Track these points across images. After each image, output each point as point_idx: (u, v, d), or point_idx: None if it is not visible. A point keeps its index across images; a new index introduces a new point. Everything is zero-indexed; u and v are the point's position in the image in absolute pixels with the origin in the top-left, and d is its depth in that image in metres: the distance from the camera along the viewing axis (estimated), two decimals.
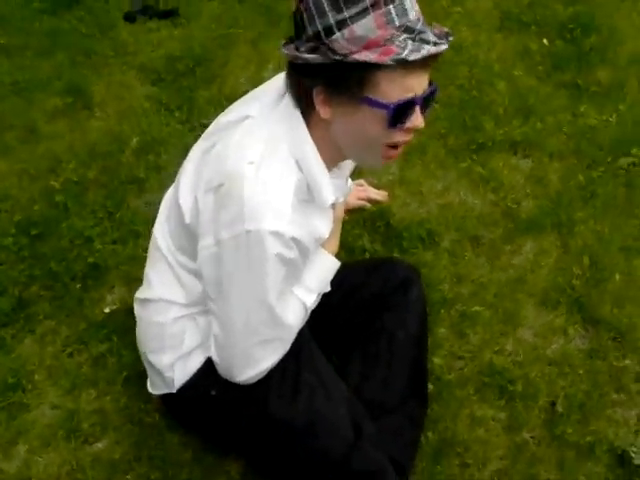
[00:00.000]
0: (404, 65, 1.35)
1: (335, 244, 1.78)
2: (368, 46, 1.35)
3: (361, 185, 2.08)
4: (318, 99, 1.44)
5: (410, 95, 1.41)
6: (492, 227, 2.38)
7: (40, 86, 2.83)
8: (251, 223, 1.43)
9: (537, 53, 2.87)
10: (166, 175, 2.32)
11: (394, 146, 1.50)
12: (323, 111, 1.45)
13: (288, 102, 1.50)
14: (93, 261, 2.32)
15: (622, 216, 2.42)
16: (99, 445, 1.98)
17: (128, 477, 1.91)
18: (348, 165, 1.71)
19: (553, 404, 2.01)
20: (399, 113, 1.42)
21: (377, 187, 2.10)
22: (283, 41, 1.47)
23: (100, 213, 2.45)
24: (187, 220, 1.59)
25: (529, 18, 2.99)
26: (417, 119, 1.45)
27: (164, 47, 2.95)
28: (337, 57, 1.35)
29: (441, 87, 2.61)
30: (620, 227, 2.38)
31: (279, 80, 1.57)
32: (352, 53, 1.35)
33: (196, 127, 2.55)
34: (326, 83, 1.41)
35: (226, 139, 1.54)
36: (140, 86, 2.81)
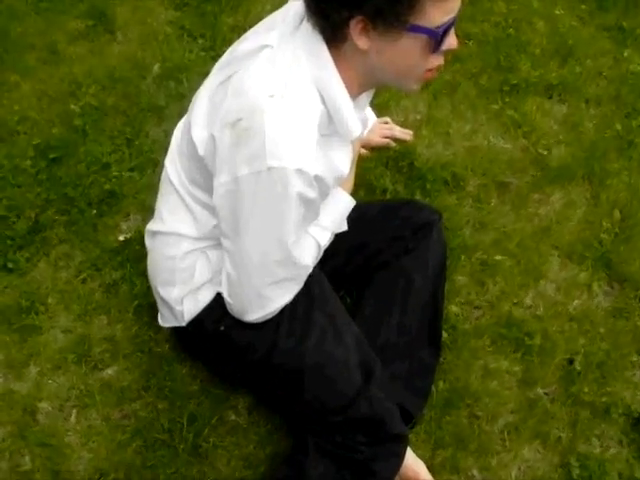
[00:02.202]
0: None
1: (351, 182, 1.74)
2: None
3: (386, 123, 2.03)
4: (356, 30, 1.35)
5: (450, 17, 1.36)
6: (520, 174, 2.30)
7: (62, 7, 2.75)
8: (273, 159, 1.37)
9: None
10: (187, 103, 2.21)
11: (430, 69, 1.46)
12: (360, 42, 1.37)
13: (308, 29, 1.41)
14: (109, 188, 2.29)
15: None
16: (109, 371, 1.99)
17: (136, 405, 1.93)
18: (366, 97, 1.63)
19: (571, 361, 1.97)
20: (442, 37, 1.37)
21: (403, 125, 2.04)
22: None
23: (118, 140, 2.40)
24: (201, 152, 1.53)
25: None
26: (454, 40, 1.42)
27: None
28: None
29: (476, 23, 2.59)
30: None
31: (296, 5, 1.47)
32: None
33: (219, 55, 2.42)
34: (369, 13, 1.33)
35: (243, 70, 1.46)
36: (164, 10, 2.73)
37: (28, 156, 2.37)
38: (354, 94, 1.48)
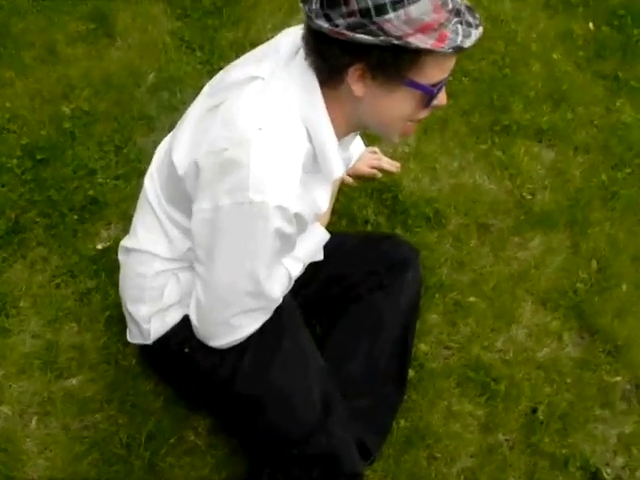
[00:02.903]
0: (457, 51, 1.32)
1: (328, 215, 1.76)
2: (423, 29, 1.28)
3: (375, 152, 2.03)
4: (354, 76, 1.36)
5: (446, 76, 1.39)
6: (503, 216, 2.30)
7: (65, 7, 2.74)
8: (256, 193, 1.37)
9: (580, 37, 2.73)
10: (178, 116, 2.21)
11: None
12: (357, 88, 1.38)
13: (302, 64, 1.42)
14: (93, 194, 2.28)
15: None
16: (73, 381, 1.98)
17: (97, 417, 1.92)
18: (351, 137, 1.65)
19: (534, 410, 1.97)
20: (436, 94, 1.40)
21: (391, 157, 2.04)
22: (301, 1, 1.37)
23: (107, 146, 2.40)
24: (180, 173, 1.53)
25: None
26: (443, 97, 1.45)
27: None
28: (392, 39, 1.28)
29: (473, 61, 2.59)
30: (637, 235, 2.29)
31: (292, 37, 1.48)
32: (407, 36, 1.28)
33: (215, 70, 2.44)
34: (370, 63, 1.34)
35: (233, 100, 1.46)
36: (166, 20, 2.72)
37: (15, 155, 2.36)
38: (340, 135, 1.49)
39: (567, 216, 2.30)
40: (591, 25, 2.77)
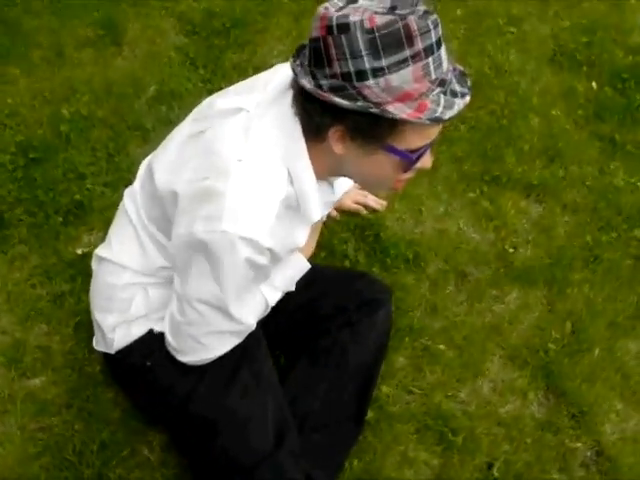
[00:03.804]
0: (435, 121, 1.32)
1: (310, 247, 1.77)
2: (402, 98, 1.30)
3: (362, 189, 2.03)
4: (334, 136, 1.38)
5: (428, 142, 1.40)
6: (483, 266, 2.30)
7: (77, 11, 2.79)
8: (229, 224, 1.39)
9: (582, 96, 2.74)
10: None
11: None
12: (337, 148, 1.40)
13: (288, 105, 1.43)
14: (80, 199, 2.31)
15: (621, 290, 2.30)
16: (36, 381, 1.99)
17: (54, 420, 1.93)
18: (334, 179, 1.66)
19: (490, 466, 1.94)
20: (416, 160, 1.42)
21: (377, 195, 2.05)
22: (295, 52, 1.41)
23: (100, 153, 2.43)
24: (160, 193, 1.55)
25: (583, 57, 2.84)
26: (428, 161, 1.47)
27: (207, 0, 2.88)
28: (370, 106, 1.29)
29: (472, 108, 2.61)
30: (615, 300, 2.27)
31: (281, 74, 1.50)
32: (386, 104, 1.30)
33: (215, 89, 2.46)
34: (349, 126, 1.35)
35: (217, 129, 1.49)
36: (174, 35, 2.76)
37: (9, 151, 2.40)
38: (322, 178, 1.51)
39: (547, 274, 2.29)
40: (594, 85, 2.78)
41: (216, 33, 2.75)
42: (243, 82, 1.64)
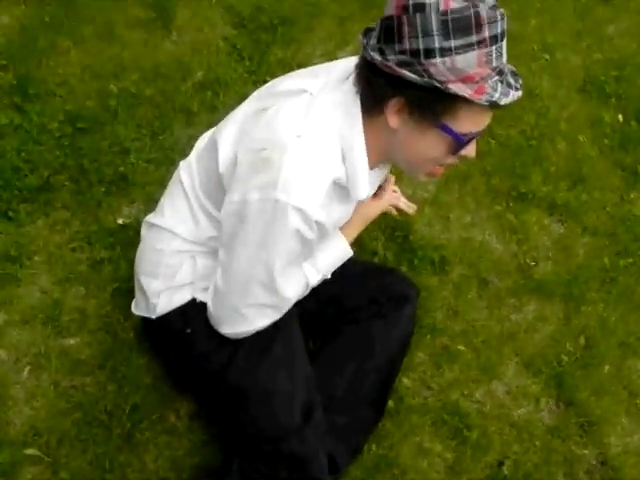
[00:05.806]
0: (492, 106, 1.40)
1: (354, 234, 1.86)
2: (465, 80, 1.38)
3: (394, 191, 2.10)
4: (392, 109, 1.46)
5: (479, 129, 1.48)
6: (504, 276, 2.38)
7: None
8: (282, 193, 1.46)
9: (608, 126, 2.84)
10: (217, 116, 2.34)
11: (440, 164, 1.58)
12: (392, 120, 1.47)
13: (350, 90, 1.51)
14: (123, 171, 2.37)
15: (634, 312, 2.38)
16: (71, 341, 2.05)
17: (87, 379, 1.99)
18: (381, 172, 1.75)
19: (500, 464, 2.02)
20: (466, 144, 1.49)
21: (409, 199, 2.12)
22: (362, 32, 1.48)
23: (145, 130, 2.49)
24: (222, 169, 1.62)
25: (612, 89, 2.95)
26: (473, 150, 1.55)
27: None
28: (434, 82, 1.37)
29: (503, 126, 2.70)
30: (628, 322, 2.35)
31: (345, 63, 1.59)
32: (449, 82, 1.37)
33: (260, 81, 2.56)
34: (410, 99, 1.43)
35: (279, 106, 1.56)
36: (222, 25, 2.83)
37: (57, 119, 2.45)
38: (371, 164, 1.58)
39: (564, 289, 2.38)
40: (620, 117, 2.88)
41: (263, 28, 2.82)
42: (307, 68, 1.73)
